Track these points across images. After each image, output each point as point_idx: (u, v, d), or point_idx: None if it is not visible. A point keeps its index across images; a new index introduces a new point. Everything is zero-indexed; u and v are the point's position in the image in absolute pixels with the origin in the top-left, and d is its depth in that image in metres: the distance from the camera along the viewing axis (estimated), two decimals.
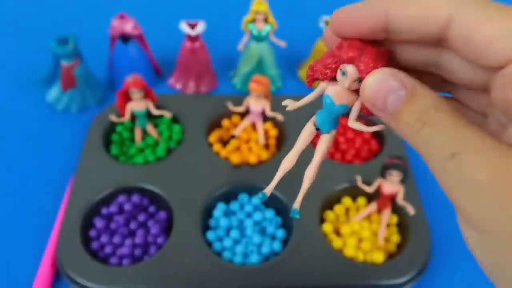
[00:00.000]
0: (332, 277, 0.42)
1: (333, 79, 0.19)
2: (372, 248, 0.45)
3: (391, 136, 0.55)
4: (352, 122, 0.19)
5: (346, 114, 0.20)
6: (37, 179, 0.53)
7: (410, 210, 0.45)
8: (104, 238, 0.44)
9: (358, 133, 0.55)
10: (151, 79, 0.66)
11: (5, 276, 0.44)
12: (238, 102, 0.57)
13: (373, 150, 0.55)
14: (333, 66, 0.19)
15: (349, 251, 0.44)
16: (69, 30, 0.59)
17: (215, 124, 0.57)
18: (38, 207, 0.50)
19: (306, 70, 0.50)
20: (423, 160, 0.17)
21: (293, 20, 0.75)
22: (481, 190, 0.15)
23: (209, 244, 0.45)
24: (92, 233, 0.45)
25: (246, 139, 0.55)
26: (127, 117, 0.54)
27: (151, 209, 0.48)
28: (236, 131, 0.55)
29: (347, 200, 0.50)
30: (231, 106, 0.57)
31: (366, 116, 0.19)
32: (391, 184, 0.45)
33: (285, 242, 0.46)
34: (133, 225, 0.46)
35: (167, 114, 0.55)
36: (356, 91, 0.19)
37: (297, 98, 0.21)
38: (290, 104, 0.20)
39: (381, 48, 0.18)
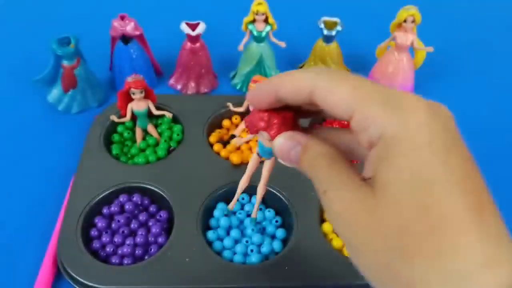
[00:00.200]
0: (332, 277, 0.42)
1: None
2: None
3: None
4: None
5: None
6: (38, 179, 0.53)
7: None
8: (105, 238, 0.45)
9: None
10: (151, 79, 0.66)
11: (6, 276, 0.44)
12: (239, 102, 0.57)
13: None
14: (255, 129, 0.26)
15: None
16: (70, 31, 0.59)
17: (216, 124, 0.58)
18: (39, 207, 0.50)
19: None
20: None
21: (293, 21, 0.75)
22: (338, 218, 0.20)
23: (210, 243, 0.45)
24: (93, 232, 0.45)
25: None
26: (128, 117, 0.54)
27: (152, 208, 0.48)
28: (237, 131, 0.55)
29: None
30: (231, 107, 0.57)
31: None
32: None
33: (285, 242, 0.46)
34: (134, 225, 0.46)
35: (168, 114, 0.56)
36: None
37: None
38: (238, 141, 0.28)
39: (287, 113, 0.25)
